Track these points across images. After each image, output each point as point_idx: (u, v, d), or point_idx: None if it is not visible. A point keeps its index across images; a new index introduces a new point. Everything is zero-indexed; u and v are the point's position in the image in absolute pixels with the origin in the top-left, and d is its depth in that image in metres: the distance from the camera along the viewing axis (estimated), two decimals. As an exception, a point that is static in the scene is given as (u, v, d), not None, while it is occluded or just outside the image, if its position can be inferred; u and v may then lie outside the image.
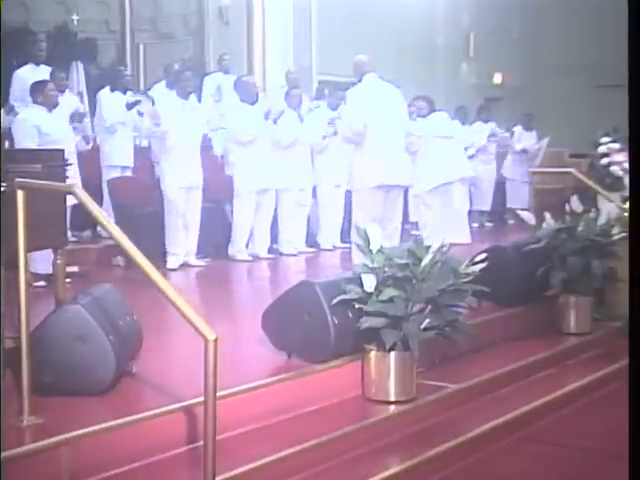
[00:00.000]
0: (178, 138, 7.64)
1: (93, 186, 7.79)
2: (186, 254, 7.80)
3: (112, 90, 9.02)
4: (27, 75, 8.57)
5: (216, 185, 8.33)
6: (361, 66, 6.79)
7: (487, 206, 12.06)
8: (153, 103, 8.55)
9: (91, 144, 8.61)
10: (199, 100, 9.60)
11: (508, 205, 12.25)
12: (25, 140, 6.75)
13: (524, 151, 12.11)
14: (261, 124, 8.26)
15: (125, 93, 9.00)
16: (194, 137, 7.88)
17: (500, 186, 12.42)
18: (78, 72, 10.80)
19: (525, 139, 12.38)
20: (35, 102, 7.10)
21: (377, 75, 6.78)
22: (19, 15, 13.14)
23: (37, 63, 8.79)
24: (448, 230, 7.14)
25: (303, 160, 8.83)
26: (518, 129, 12.47)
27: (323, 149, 8.95)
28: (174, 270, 7.46)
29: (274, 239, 8.69)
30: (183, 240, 7.73)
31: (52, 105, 7.16)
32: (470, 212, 10.75)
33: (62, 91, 8.20)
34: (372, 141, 6.56)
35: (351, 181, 6.96)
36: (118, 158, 8.84)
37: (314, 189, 9.10)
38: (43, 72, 8.46)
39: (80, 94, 10.24)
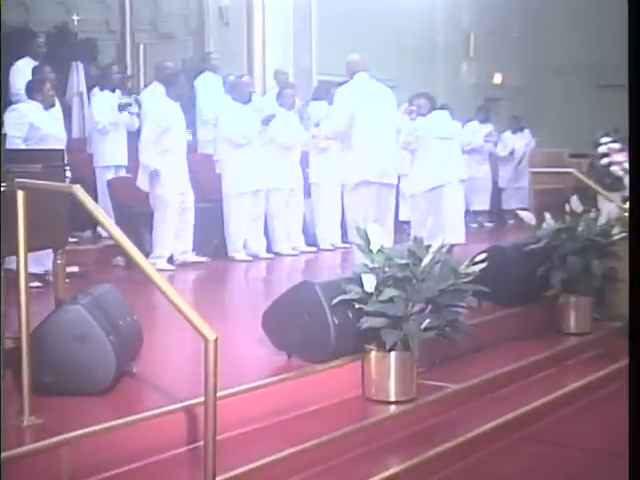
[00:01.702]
0: (173, 141, 7.64)
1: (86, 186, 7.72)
2: (183, 253, 7.79)
3: (101, 89, 8.98)
4: (26, 68, 8.54)
5: (214, 185, 8.32)
6: (353, 65, 6.79)
7: (485, 206, 12.11)
8: (140, 107, 8.54)
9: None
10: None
11: (504, 207, 12.34)
12: (14, 129, 6.72)
13: (511, 153, 12.20)
14: (254, 125, 8.25)
15: (114, 91, 8.97)
16: (183, 140, 7.87)
17: (498, 186, 12.48)
18: (78, 72, 10.77)
19: (513, 142, 12.46)
20: (32, 99, 7.08)
21: (369, 74, 6.77)
22: (19, 15, 13.14)
23: (35, 59, 8.75)
24: (443, 230, 7.14)
25: (294, 159, 8.82)
26: (506, 135, 12.55)
27: (324, 149, 8.93)
28: (165, 270, 7.42)
29: (272, 239, 8.69)
30: (170, 244, 7.70)
31: (50, 104, 7.15)
32: (468, 212, 10.75)
33: (53, 84, 8.12)
34: (359, 139, 6.56)
35: (342, 180, 6.98)
36: (111, 158, 8.80)
37: (311, 189, 9.09)
38: None
39: (80, 94, 10.23)
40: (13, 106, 7.29)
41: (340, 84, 6.99)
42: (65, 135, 7.49)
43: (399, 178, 7.13)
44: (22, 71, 8.57)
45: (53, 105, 7.24)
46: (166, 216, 7.61)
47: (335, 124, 6.76)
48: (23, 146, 6.62)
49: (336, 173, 8.82)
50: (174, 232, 7.66)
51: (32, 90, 7.14)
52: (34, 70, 8.10)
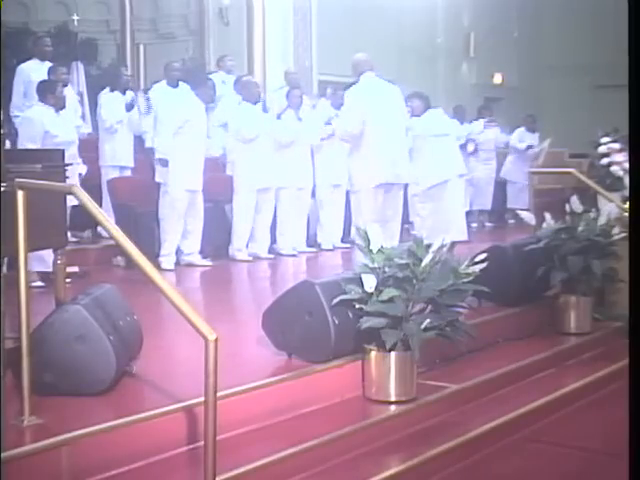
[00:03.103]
0: (191, 139, 7.66)
1: (92, 186, 7.73)
2: (189, 254, 7.81)
3: (111, 90, 9.00)
4: (31, 70, 8.52)
5: (216, 185, 8.33)
6: (359, 65, 6.77)
7: (487, 206, 12.04)
8: (149, 104, 8.55)
9: None
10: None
11: (509, 206, 12.20)
12: (29, 140, 6.70)
13: (529, 147, 12.00)
14: (264, 122, 8.29)
15: (124, 93, 8.99)
16: (202, 139, 7.90)
17: (500, 186, 12.39)
18: (78, 72, 10.78)
19: (528, 141, 12.33)
20: (43, 101, 7.02)
21: (375, 74, 6.77)
22: (19, 15, 13.16)
23: (42, 59, 8.74)
24: (446, 228, 7.14)
25: (303, 159, 8.83)
26: (520, 130, 12.44)
27: (320, 148, 8.94)
28: (171, 270, 7.45)
29: (274, 239, 8.69)
30: (177, 242, 7.72)
31: (61, 107, 7.12)
32: (470, 212, 10.72)
33: (64, 85, 8.14)
34: (371, 140, 6.54)
35: (351, 181, 6.93)
36: (118, 158, 8.81)
37: (314, 189, 9.10)
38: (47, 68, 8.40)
39: (80, 94, 10.23)
40: (27, 113, 7.18)
41: (351, 84, 6.96)
42: (77, 136, 7.50)
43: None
44: (26, 73, 8.56)
45: (64, 107, 7.22)
46: (173, 212, 7.63)
47: (350, 127, 6.66)
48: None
49: (336, 174, 8.85)
50: (181, 231, 7.69)
51: (45, 92, 7.06)
52: (49, 71, 8.08)
